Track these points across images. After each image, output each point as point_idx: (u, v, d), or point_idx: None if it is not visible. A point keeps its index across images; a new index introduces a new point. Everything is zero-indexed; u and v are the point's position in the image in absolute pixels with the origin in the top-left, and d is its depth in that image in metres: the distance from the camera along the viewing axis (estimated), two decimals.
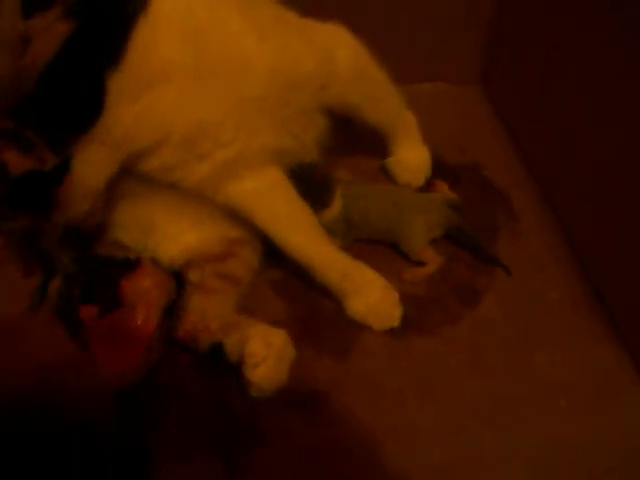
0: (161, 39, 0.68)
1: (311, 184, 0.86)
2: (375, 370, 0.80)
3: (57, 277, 0.83)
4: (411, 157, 0.98)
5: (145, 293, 0.80)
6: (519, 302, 0.85)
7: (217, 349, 0.78)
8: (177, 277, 0.86)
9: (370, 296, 0.83)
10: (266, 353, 0.75)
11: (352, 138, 0.96)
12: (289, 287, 0.88)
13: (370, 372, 0.80)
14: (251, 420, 0.76)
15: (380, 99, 0.91)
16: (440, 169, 0.99)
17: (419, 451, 0.74)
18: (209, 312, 0.82)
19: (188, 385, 0.79)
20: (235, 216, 0.84)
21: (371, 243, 0.90)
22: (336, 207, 0.89)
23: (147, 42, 0.67)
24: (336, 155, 0.94)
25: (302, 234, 0.82)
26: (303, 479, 0.72)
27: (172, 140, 0.73)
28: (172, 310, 0.82)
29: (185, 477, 0.73)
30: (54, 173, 0.68)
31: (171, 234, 0.86)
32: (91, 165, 0.70)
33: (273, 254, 0.86)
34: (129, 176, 0.76)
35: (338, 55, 0.82)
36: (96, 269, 0.83)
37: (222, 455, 0.73)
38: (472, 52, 1.11)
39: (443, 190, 0.95)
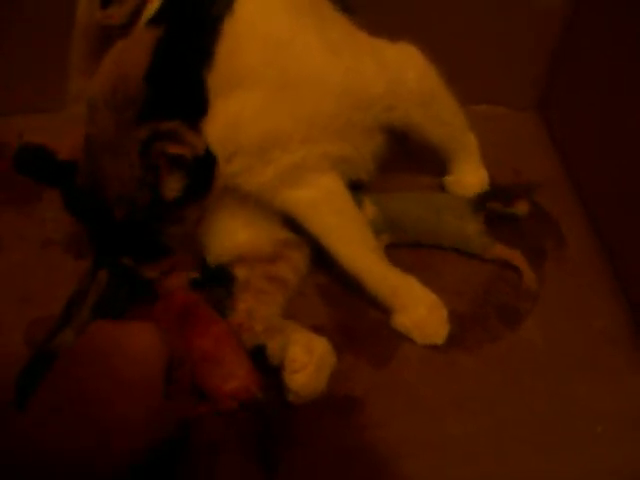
0: (245, 45, 0.72)
1: None
2: (413, 381, 0.81)
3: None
4: (470, 177, 0.98)
5: None
6: (561, 327, 0.86)
7: (259, 351, 0.80)
8: (225, 276, 0.88)
9: (418, 312, 0.84)
10: (307, 360, 0.76)
11: (408, 153, 0.97)
12: (334, 292, 0.90)
13: (408, 383, 0.81)
14: (288, 421, 0.77)
15: (445, 121, 0.91)
16: (493, 190, 1.00)
17: (451, 464, 0.75)
18: (255, 314, 0.83)
19: None
20: (287, 219, 0.87)
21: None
22: (368, 213, 0.90)
23: (233, 45, 0.71)
24: (391, 170, 0.96)
25: (354, 245, 0.84)
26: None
27: (248, 148, 0.77)
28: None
29: (222, 476, 0.73)
30: (208, 159, 0.73)
31: (224, 229, 0.88)
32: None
33: (320, 258, 0.88)
34: None
35: (408, 76, 0.83)
36: None
37: (259, 455, 0.74)
38: (532, 78, 1.12)
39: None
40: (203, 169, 0.72)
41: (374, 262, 0.84)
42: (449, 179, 0.99)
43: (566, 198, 1.01)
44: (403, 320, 0.84)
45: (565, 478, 0.74)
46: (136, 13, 0.75)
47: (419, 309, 0.84)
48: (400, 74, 0.82)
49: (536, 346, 0.84)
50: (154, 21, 0.72)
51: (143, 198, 0.71)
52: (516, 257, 0.91)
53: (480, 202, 0.94)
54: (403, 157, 0.97)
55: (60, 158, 0.76)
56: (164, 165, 0.70)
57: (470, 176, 0.98)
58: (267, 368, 0.79)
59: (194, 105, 0.72)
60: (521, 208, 0.95)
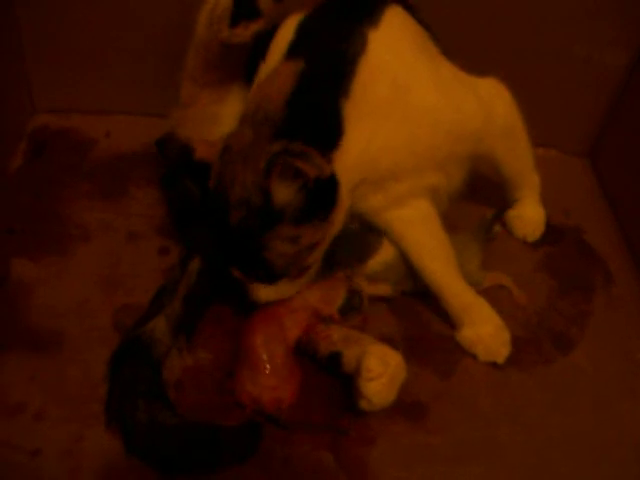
0: (377, 81, 0.80)
1: (354, 230, 0.92)
2: (473, 393, 0.88)
3: (196, 259, 0.92)
4: (530, 213, 1.06)
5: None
6: (607, 356, 0.93)
7: (335, 358, 0.84)
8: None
9: (485, 330, 0.91)
10: (382, 370, 0.80)
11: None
12: (402, 305, 0.97)
13: (468, 394, 0.88)
14: (361, 421, 0.83)
15: (520, 155, 0.98)
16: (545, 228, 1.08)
17: (503, 470, 0.82)
18: (332, 322, 0.89)
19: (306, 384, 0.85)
20: None
21: None
22: (386, 254, 0.94)
23: (368, 80, 0.79)
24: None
25: (439, 263, 0.91)
26: (402, 477, 0.80)
27: (372, 179, 0.84)
28: None
29: (296, 466, 0.80)
30: (331, 183, 0.78)
31: None
32: (342, 187, 0.80)
33: None
34: None
35: (498, 111, 0.90)
36: None
37: (332, 451, 0.81)
38: (586, 128, 1.20)
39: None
40: (323, 192, 0.77)
41: (454, 279, 0.91)
42: (511, 213, 1.06)
43: (614, 242, 1.09)
44: (470, 335, 0.91)
45: None
46: (257, 36, 0.84)
47: (487, 327, 0.91)
48: (491, 108, 0.90)
49: (584, 371, 0.92)
50: (292, 53, 0.81)
51: (257, 202, 0.76)
52: (504, 280, 0.99)
53: (489, 228, 1.01)
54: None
55: (196, 156, 0.83)
56: (281, 172, 0.74)
57: (531, 212, 1.06)
58: (341, 376, 0.84)
59: (328, 133, 0.78)
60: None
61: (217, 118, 0.92)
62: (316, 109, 0.78)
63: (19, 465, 0.77)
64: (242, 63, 0.90)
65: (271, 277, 0.82)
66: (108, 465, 0.78)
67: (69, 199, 1.07)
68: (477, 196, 1.06)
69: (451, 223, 0.96)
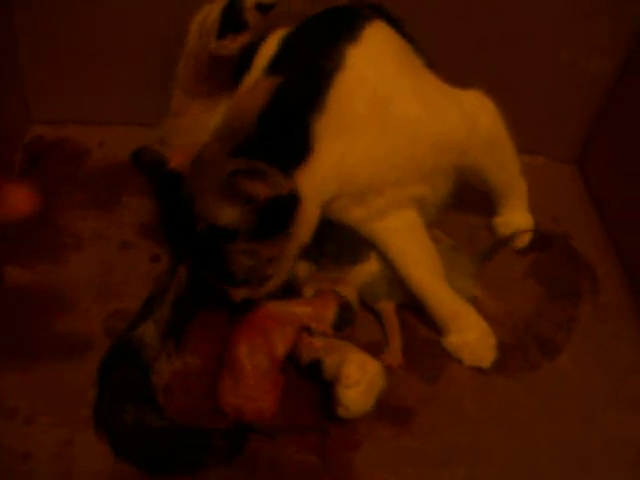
0: (355, 95, 0.81)
1: (343, 238, 0.94)
2: (459, 397, 0.89)
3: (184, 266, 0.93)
4: (518, 220, 1.07)
5: None
6: (593, 361, 0.94)
7: (316, 365, 0.85)
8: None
9: (471, 335, 0.92)
10: (360, 378, 0.81)
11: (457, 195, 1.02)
12: None
13: (454, 398, 0.89)
14: (347, 425, 0.84)
15: (505, 165, 0.99)
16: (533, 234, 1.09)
17: (489, 474, 0.83)
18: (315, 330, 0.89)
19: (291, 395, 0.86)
20: None
21: None
22: (374, 265, 0.95)
23: (344, 95, 0.81)
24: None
25: (425, 271, 0.92)
26: None
27: (350, 192, 0.86)
28: None
29: (282, 468, 0.80)
30: (290, 200, 0.79)
31: None
32: (309, 201, 0.82)
33: None
34: None
35: (482, 123, 0.91)
36: None
37: (319, 453, 0.82)
38: (574, 134, 1.21)
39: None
40: (280, 210, 0.79)
41: (440, 287, 0.93)
42: (499, 220, 1.07)
43: (602, 249, 1.10)
44: (456, 341, 0.92)
45: None
46: (243, 48, 0.85)
47: (473, 333, 0.92)
48: (475, 120, 0.91)
49: (570, 377, 0.92)
50: (273, 70, 0.83)
51: (211, 219, 0.79)
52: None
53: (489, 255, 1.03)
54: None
55: (170, 166, 0.85)
56: (229, 193, 0.77)
57: (519, 219, 1.07)
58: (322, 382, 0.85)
59: (294, 149, 0.80)
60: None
61: (207, 127, 0.93)
62: (284, 125, 0.80)
63: (10, 469, 0.78)
64: (230, 74, 0.91)
65: (235, 283, 0.84)
66: (98, 469, 0.79)
67: (63, 209, 1.08)
68: (465, 204, 1.07)
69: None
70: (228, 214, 0.78)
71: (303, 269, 0.95)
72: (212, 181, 0.78)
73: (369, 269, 0.95)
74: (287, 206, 0.80)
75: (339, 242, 0.94)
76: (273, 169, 0.77)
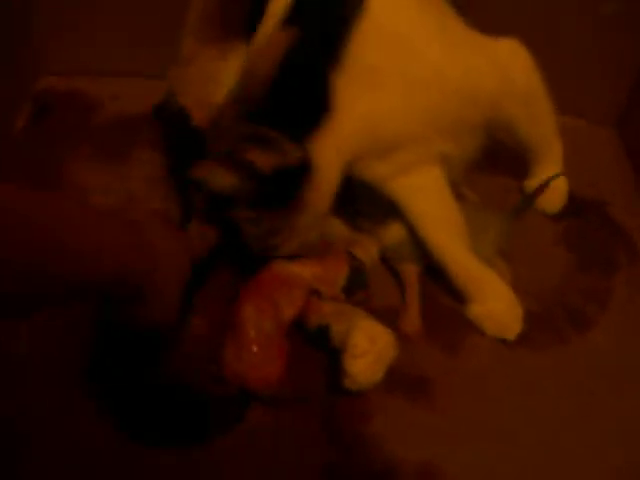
0: (373, 45, 0.76)
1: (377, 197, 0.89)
2: (480, 370, 0.84)
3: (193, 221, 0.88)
4: (552, 184, 1.00)
5: None
6: (628, 337, 0.88)
7: (323, 331, 0.81)
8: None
9: (496, 305, 0.87)
10: (368, 348, 0.76)
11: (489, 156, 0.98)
12: None
13: (475, 371, 0.84)
14: (358, 395, 0.79)
15: (541, 122, 0.94)
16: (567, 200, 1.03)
17: (514, 453, 0.77)
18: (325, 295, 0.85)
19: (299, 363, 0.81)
20: None
21: None
22: (397, 229, 0.91)
23: (361, 46, 0.75)
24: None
25: (445, 234, 0.87)
26: (398, 456, 0.76)
27: (375, 151, 0.81)
28: None
29: (285, 439, 0.77)
30: (300, 170, 0.75)
31: None
32: (328, 166, 0.77)
33: None
34: None
35: (516, 74, 0.86)
36: None
37: (324, 424, 0.78)
38: (613, 96, 1.14)
39: None
40: (287, 179, 0.75)
41: (463, 252, 0.87)
42: (531, 182, 1.01)
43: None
44: (480, 310, 0.87)
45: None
46: None
47: (498, 303, 0.87)
48: (509, 71, 0.85)
49: (602, 352, 0.87)
50: (287, 20, 0.76)
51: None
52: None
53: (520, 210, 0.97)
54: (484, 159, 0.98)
55: (192, 124, 0.81)
56: (225, 160, 0.73)
57: (553, 183, 1.00)
58: (329, 350, 0.81)
59: (312, 112, 0.75)
60: None
61: (217, 77, 0.88)
62: (301, 85, 0.75)
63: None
64: (242, 18, 0.85)
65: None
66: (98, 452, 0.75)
67: (71, 160, 1.05)
68: (498, 166, 1.02)
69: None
70: (224, 180, 0.74)
71: (337, 227, 0.91)
72: (221, 146, 0.75)
73: (398, 229, 0.91)
74: (294, 176, 0.75)
75: (373, 200, 0.89)
76: (281, 136, 0.73)
